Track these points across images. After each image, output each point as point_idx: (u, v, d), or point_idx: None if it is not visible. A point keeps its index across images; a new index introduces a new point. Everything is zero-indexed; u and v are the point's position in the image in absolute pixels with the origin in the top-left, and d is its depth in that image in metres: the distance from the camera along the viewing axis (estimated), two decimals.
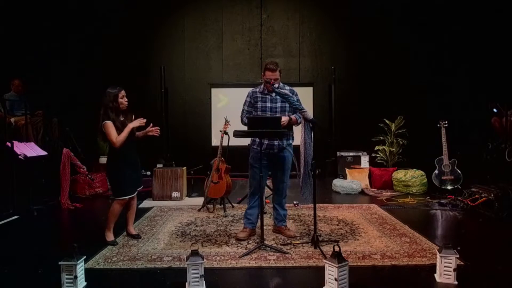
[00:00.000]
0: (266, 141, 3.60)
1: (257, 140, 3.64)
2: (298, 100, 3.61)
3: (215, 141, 7.34)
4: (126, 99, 3.59)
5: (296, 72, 7.79)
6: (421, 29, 7.36)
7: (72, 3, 7.37)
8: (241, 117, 3.75)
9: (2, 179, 4.84)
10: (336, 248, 2.60)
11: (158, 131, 3.70)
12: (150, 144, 6.73)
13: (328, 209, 4.88)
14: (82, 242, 3.16)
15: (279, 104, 3.63)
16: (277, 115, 3.58)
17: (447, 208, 4.87)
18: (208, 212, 4.81)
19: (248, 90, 3.83)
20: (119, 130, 3.46)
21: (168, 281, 2.83)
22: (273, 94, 3.64)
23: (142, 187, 3.83)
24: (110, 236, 3.62)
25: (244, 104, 3.75)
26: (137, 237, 3.76)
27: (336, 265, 2.51)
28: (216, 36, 7.80)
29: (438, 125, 5.71)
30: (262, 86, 3.69)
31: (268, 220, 4.21)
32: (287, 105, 3.63)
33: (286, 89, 3.65)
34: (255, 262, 3.12)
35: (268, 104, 3.64)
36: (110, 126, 3.44)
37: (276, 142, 3.60)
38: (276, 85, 3.57)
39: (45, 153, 5.30)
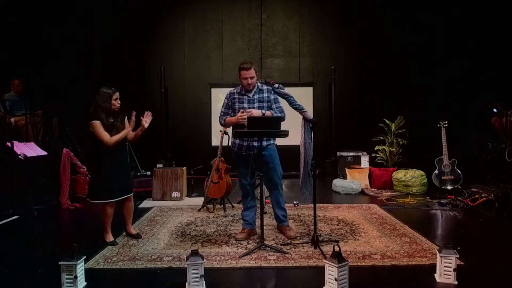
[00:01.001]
0: (246, 143, 3.57)
1: (237, 142, 3.63)
2: (277, 100, 3.62)
3: (215, 141, 7.34)
4: (119, 102, 3.53)
5: (296, 72, 7.79)
6: (421, 29, 7.36)
7: (72, 3, 7.37)
8: (219, 119, 3.75)
9: (2, 179, 4.83)
10: (336, 248, 2.60)
11: (149, 117, 3.56)
12: (150, 144, 6.75)
13: (328, 209, 4.88)
14: (82, 242, 3.16)
15: (256, 105, 3.59)
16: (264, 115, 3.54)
17: (447, 208, 4.87)
18: (208, 212, 4.81)
19: None
20: (108, 131, 3.43)
21: (168, 281, 2.82)
22: (251, 95, 3.61)
23: (131, 194, 3.69)
24: (109, 238, 3.62)
25: (222, 106, 3.74)
26: (137, 236, 3.76)
27: (336, 265, 2.51)
28: (216, 36, 7.80)
29: (438, 125, 5.71)
30: (240, 86, 3.66)
31: (268, 220, 4.21)
32: (264, 105, 3.60)
33: (265, 88, 3.62)
34: (255, 262, 3.11)
35: (245, 105, 3.60)
36: (98, 125, 3.41)
37: (255, 143, 3.52)
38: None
39: (45, 153, 5.30)
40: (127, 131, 3.52)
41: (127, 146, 3.70)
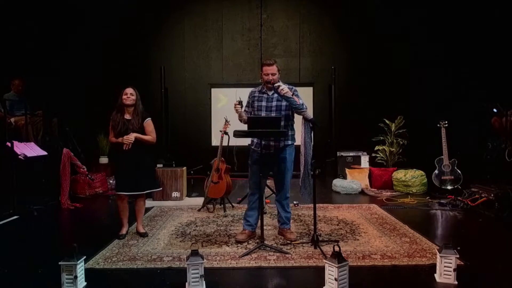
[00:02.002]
0: (263, 142, 3.57)
1: (255, 140, 3.64)
2: (297, 96, 3.56)
3: (215, 141, 7.34)
4: (129, 97, 3.69)
5: (296, 72, 7.79)
6: (421, 28, 7.36)
7: (71, 3, 7.37)
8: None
9: (2, 179, 4.84)
10: (336, 248, 2.60)
11: (126, 141, 3.62)
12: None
13: (328, 209, 4.88)
14: (82, 242, 3.16)
15: (274, 103, 3.60)
16: (273, 115, 3.55)
17: (447, 208, 4.87)
18: (208, 212, 4.81)
19: (248, 90, 3.83)
20: (115, 128, 3.68)
21: (168, 281, 2.82)
22: (270, 93, 3.62)
23: (139, 193, 3.73)
24: (121, 231, 3.78)
25: (245, 105, 3.77)
26: (143, 235, 3.80)
27: (336, 265, 2.51)
28: (216, 36, 7.80)
29: (438, 125, 5.72)
30: (262, 85, 3.69)
31: (268, 220, 4.21)
32: (283, 103, 3.58)
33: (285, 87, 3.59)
34: (255, 262, 3.11)
35: (264, 103, 3.62)
36: (110, 122, 3.73)
37: (272, 143, 3.57)
38: (277, 85, 3.53)
39: (45, 153, 5.30)
40: (117, 140, 3.65)
41: (142, 147, 3.70)
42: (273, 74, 3.54)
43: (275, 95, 3.61)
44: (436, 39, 7.35)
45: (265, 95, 3.64)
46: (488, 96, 6.35)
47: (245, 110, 3.73)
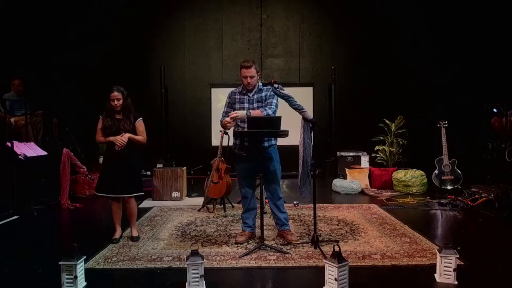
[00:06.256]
0: (246, 143, 3.51)
1: (238, 143, 3.57)
2: (272, 96, 3.50)
3: (215, 141, 7.34)
4: (116, 103, 3.54)
5: (296, 72, 7.79)
6: (422, 29, 7.36)
7: (72, 2, 7.37)
8: (221, 119, 3.61)
9: (2, 179, 4.84)
10: (336, 248, 2.60)
11: (119, 142, 3.53)
12: (150, 144, 6.74)
13: (328, 209, 4.88)
14: (82, 242, 3.16)
15: (255, 105, 3.53)
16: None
17: (447, 208, 4.87)
18: (208, 212, 4.81)
19: None
20: (105, 129, 3.56)
21: (168, 281, 2.82)
22: (251, 94, 3.56)
23: (125, 195, 3.63)
24: (114, 235, 3.67)
25: (225, 106, 3.67)
26: (133, 240, 3.69)
27: (336, 265, 2.51)
28: (216, 36, 7.80)
29: (438, 125, 5.71)
30: (241, 86, 3.60)
31: (268, 220, 4.21)
32: (263, 105, 3.52)
33: (265, 88, 3.55)
34: (255, 262, 3.11)
35: (246, 105, 3.54)
36: (99, 121, 3.64)
37: (258, 144, 3.45)
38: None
39: (45, 153, 5.31)
40: (107, 139, 3.56)
41: (132, 148, 3.63)
42: (251, 77, 3.46)
43: (255, 96, 3.55)
44: (437, 39, 7.35)
45: (246, 97, 3.56)
46: (488, 96, 6.34)
47: (224, 112, 3.62)
